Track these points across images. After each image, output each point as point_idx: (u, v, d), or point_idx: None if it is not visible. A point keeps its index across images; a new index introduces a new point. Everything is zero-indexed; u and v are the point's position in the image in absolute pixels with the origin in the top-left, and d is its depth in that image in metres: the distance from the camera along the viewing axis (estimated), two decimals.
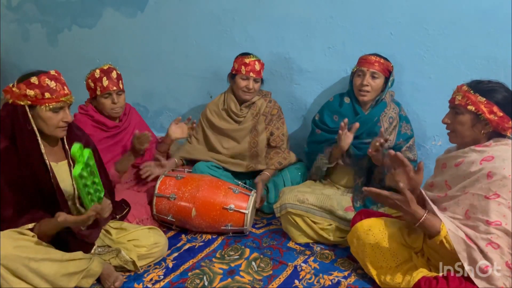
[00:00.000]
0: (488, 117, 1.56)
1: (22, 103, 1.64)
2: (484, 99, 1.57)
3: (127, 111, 2.42)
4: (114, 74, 2.24)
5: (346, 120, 2.12)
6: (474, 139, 1.63)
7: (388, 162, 1.69)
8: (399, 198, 1.58)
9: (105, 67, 2.25)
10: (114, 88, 2.22)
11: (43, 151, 1.69)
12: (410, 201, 1.57)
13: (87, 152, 1.58)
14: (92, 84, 2.23)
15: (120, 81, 2.27)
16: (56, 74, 1.70)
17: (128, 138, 2.39)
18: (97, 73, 2.22)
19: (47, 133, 1.70)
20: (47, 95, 1.63)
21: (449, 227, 1.53)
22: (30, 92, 1.62)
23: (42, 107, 1.64)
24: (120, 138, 2.36)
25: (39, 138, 1.68)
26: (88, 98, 2.33)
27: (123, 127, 2.36)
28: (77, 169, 1.51)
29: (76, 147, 1.52)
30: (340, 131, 2.13)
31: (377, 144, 1.98)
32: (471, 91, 1.59)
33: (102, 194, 1.71)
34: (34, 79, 1.63)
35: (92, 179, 1.62)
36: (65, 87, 1.70)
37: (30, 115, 1.65)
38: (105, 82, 2.20)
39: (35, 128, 1.67)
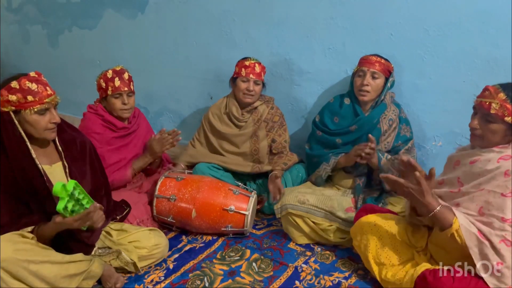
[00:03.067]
0: None
1: (6, 110, 1.61)
2: None
3: (136, 114, 2.44)
4: (126, 76, 2.26)
5: (373, 138, 2.10)
6: (500, 143, 1.59)
7: (398, 167, 1.64)
8: (415, 187, 1.55)
9: (118, 68, 2.27)
10: (126, 88, 2.24)
11: (34, 155, 1.67)
12: (426, 192, 1.54)
13: (71, 184, 1.52)
14: (103, 84, 2.25)
15: (131, 83, 2.29)
16: (37, 76, 1.66)
17: (137, 140, 2.41)
18: (110, 73, 2.24)
19: (36, 136, 1.67)
20: (30, 98, 1.60)
21: (462, 222, 1.52)
22: (12, 97, 1.59)
23: (27, 111, 1.61)
24: (130, 140, 2.37)
25: (28, 144, 1.66)
26: (97, 98, 2.34)
27: (132, 129, 2.37)
28: (60, 204, 1.49)
29: (57, 187, 1.48)
30: (369, 150, 2.10)
31: (367, 151, 2.05)
32: (509, 101, 1.53)
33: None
34: (14, 84, 1.60)
35: (79, 205, 1.58)
36: (47, 88, 1.66)
37: (16, 121, 1.62)
38: (117, 82, 2.22)
39: (23, 134, 1.64)
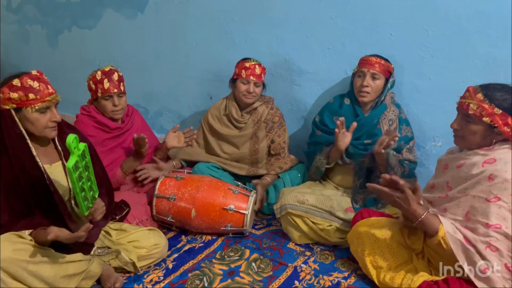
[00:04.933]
0: (503, 130, 1.52)
1: (7, 107, 1.61)
2: (500, 111, 1.51)
3: (130, 112, 2.42)
4: (115, 76, 2.23)
5: (342, 118, 2.13)
6: (482, 145, 1.59)
7: (382, 183, 1.63)
8: (400, 196, 1.57)
9: (107, 69, 2.24)
10: (115, 90, 2.22)
11: (34, 153, 1.67)
12: (411, 200, 1.56)
13: (82, 145, 1.54)
14: (93, 86, 2.23)
15: (121, 83, 2.26)
16: (38, 74, 1.67)
17: (131, 139, 2.38)
18: (98, 75, 2.21)
19: (37, 134, 1.68)
20: (31, 96, 1.61)
21: (448, 229, 1.53)
22: (14, 95, 1.60)
23: (28, 109, 1.61)
24: (123, 140, 2.36)
25: (29, 141, 1.66)
26: (89, 98, 2.33)
27: (125, 128, 2.36)
28: (71, 161, 1.47)
29: (71, 137, 1.48)
30: (336, 130, 2.14)
31: (385, 143, 1.97)
32: (487, 101, 1.52)
33: (96, 194, 1.68)
34: (16, 81, 1.60)
35: (86, 175, 1.58)
36: (49, 86, 1.67)
37: (17, 119, 1.63)
38: (106, 84, 2.19)
39: (24, 131, 1.65)
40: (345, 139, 2.16)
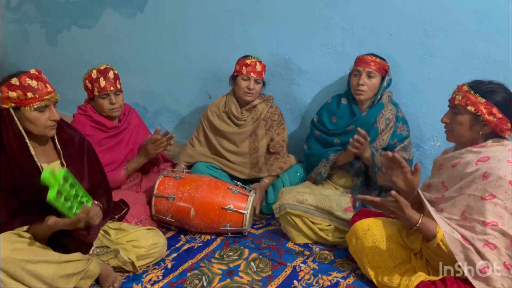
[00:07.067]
0: (487, 118, 1.56)
1: (6, 106, 1.61)
2: (484, 100, 1.56)
3: (127, 111, 2.41)
4: (111, 74, 2.22)
5: (364, 132, 2.10)
6: (472, 139, 1.62)
7: (385, 162, 1.68)
8: (393, 204, 1.58)
9: (102, 67, 2.23)
10: (112, 88, 2.21)
11: (32, 152, 1.67)
12: (404, 207, 1.57)
13: (61, 172, 1.50)
14: (89, 85, 2.22)
15: (118, 81, 2.25)
16: (37, 73, 1.67)
17: (128, 138, 2.38)
18: (94, 74, 2.20)
19: (36, 133, 1.68)
20: (29, 95, 1.61)
21: (445, 229, 1.53)
22: (12, 94, 1.60)
23: (26, 107, 1.61)
24: (121, 139, 2.36)
25: (27, 140, 1.66)
26: (86, 98, 2.33)
27: (122, 127, 2.35)
28: (50, 194, 1.45)
29: (45, 173, 1.45)
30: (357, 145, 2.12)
31: (355, 141, 2.05)
32: (471, 91, 1.59)
33: (90, 203, 1.65)
34: (14, 80, 1.60)
35: (72, 195, 1.55)
36: (47, 85, 1.67)
37: (15, 118, 1.63)
38: (102, 82, 2.19)
39: (22, 130, 1.65)
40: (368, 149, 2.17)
